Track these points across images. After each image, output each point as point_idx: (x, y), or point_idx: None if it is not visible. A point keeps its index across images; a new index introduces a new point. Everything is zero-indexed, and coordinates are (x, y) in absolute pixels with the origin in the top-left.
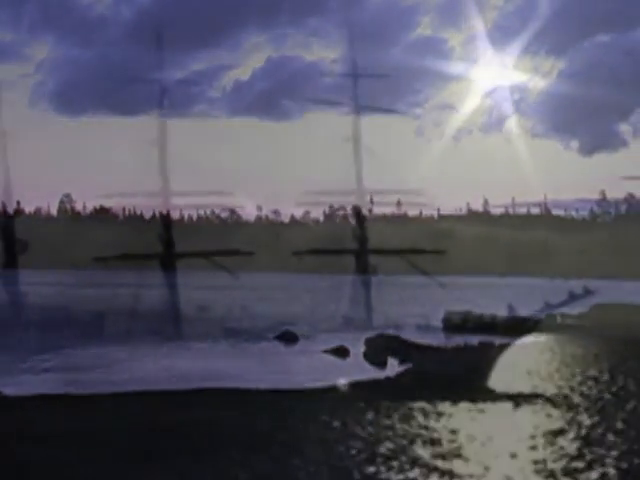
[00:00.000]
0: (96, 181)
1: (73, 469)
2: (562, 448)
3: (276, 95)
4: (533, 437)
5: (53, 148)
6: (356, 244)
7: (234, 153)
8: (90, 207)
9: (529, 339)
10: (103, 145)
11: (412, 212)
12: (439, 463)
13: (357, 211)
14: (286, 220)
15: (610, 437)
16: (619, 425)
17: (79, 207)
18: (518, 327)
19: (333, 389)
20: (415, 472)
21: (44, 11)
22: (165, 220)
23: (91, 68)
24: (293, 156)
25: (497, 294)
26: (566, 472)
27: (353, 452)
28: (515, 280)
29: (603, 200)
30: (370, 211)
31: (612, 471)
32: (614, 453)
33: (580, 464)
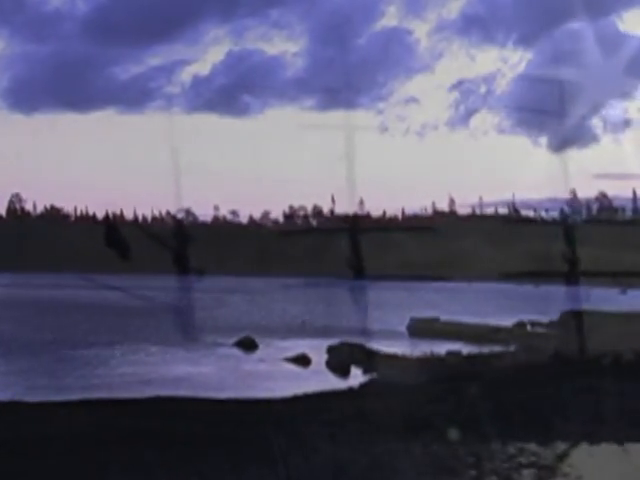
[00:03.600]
0: (48, 180)
1: None
2: None
3: (236, 90)
4: None
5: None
6: (567, 265)
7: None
8: (41, 207)
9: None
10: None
11: (375, 212)
12: None
13: (567, 230)
14: (244, 221)
15: None
16: None
17: (29, 207)
18: (488, 336)
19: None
20: None
21: None
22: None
23: (46, 64)
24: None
25: None
26: None
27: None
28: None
29: (574, 200)
30: (332, 212)
31: None
32: None
33: None
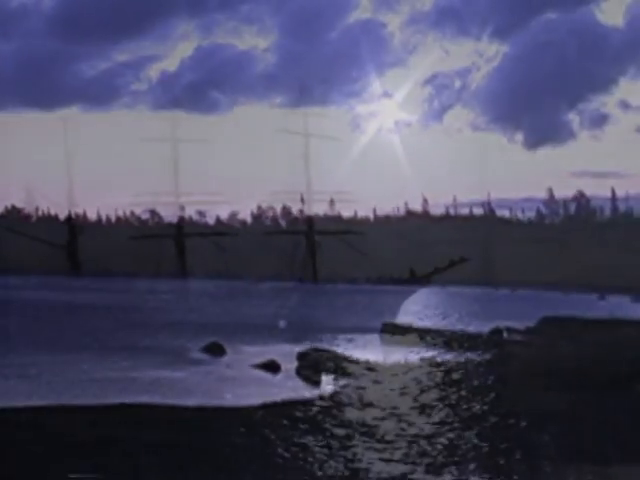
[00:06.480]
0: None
1: None
2: None
3: (205, 87)
4: None
5: None
6: None
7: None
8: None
9: None
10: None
11: (346, 213)
12: None
13: None
14: (211, 221)
15: None
16: None
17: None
18: (463, 342)
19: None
20: None
21: None
22: None
23: (10, 61)
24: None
25: None
26: None
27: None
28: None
29: (551, 199)
30: (302, 212)
31: None
32: None
33: None
